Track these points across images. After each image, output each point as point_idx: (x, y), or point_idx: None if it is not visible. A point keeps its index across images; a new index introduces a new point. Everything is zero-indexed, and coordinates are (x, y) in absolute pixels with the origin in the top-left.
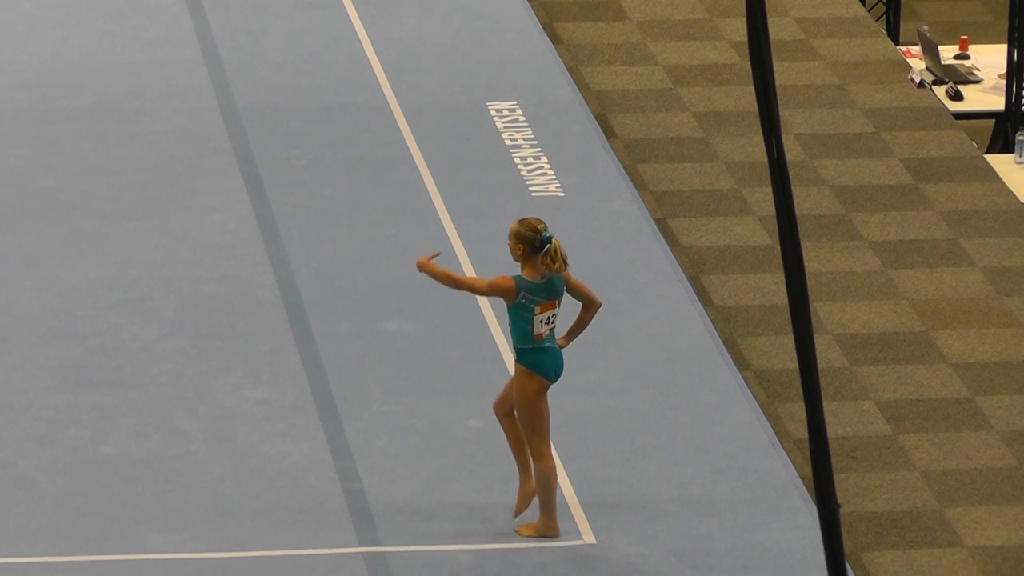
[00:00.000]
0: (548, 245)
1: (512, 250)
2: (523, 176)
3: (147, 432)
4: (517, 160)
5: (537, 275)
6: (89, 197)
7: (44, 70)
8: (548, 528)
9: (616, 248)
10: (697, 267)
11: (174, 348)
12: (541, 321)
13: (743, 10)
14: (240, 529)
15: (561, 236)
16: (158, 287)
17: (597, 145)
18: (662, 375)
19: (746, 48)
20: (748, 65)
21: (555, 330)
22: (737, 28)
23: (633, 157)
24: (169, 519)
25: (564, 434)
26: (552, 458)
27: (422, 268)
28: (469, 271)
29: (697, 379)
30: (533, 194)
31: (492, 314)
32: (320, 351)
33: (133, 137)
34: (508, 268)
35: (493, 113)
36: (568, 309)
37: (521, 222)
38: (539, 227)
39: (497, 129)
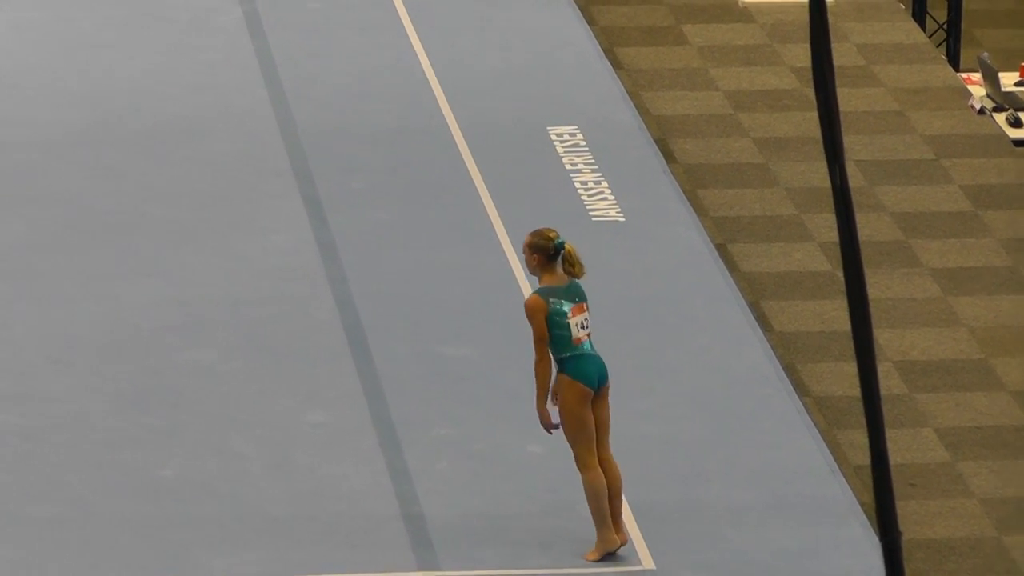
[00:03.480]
0: (563, 251)
1: (528, 262)
2: (583, 201)
3: (205, 455)
4: (577, 185)
5: (558, 281)
6: (148, 219)
7: (103, 91)
8: (607, 543)
9: (676, 273)
10: (757, 293)
11: (232, 370)
12: (577, 325)
13: (803, 36)
14: (298, 552)
15: (621, 261)
16: (217, 309)
17: (657, 170)
18: (721, 401)
19: (806, 74)
20: (808, 91)
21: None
22: (797, 54)
23: (693, 182)
24: (226, 542)
25: (622, 459)
26: (597, 469)
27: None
28: (526, 294)
29: (756, 405)
30: (593, 219)
31: None
32: (379, 374)
33: (192, 159)
34: None
35: (554, 137)
36: (597, 316)
37: (533, 234)
38: (551, 235)
39: (557, 153)
